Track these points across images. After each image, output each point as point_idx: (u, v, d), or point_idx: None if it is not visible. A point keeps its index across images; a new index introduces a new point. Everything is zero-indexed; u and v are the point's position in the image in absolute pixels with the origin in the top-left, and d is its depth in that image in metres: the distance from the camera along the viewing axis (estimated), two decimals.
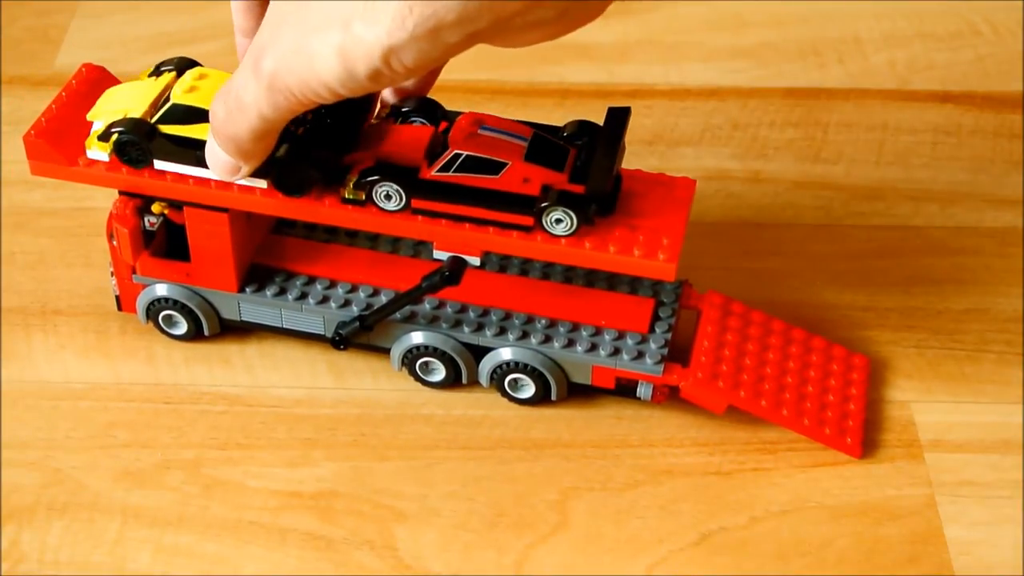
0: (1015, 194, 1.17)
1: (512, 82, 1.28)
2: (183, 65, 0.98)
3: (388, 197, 0.92)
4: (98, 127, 0.95)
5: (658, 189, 0.95)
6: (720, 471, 0.96)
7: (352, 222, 0.93)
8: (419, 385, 1.01)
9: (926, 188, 1.18)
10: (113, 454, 0.96)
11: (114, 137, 0.93)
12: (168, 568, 0.90)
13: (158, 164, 0.94)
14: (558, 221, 0.91)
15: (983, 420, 0.99)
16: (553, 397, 0.99)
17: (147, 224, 0.99)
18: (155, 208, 0.98)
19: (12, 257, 1.10)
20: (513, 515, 0.93)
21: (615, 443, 0.97)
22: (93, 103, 0.98)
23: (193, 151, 0.92)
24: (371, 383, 1.01)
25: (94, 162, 0.95)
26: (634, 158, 1.18)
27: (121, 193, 0.98)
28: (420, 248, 1.02)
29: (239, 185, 0.93)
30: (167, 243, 1.01)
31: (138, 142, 0.93)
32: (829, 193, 1.17)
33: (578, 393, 0.99)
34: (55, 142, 0.95)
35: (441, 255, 0.94)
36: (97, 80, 1.00)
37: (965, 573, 0.90)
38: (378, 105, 0.98)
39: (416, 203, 0.92)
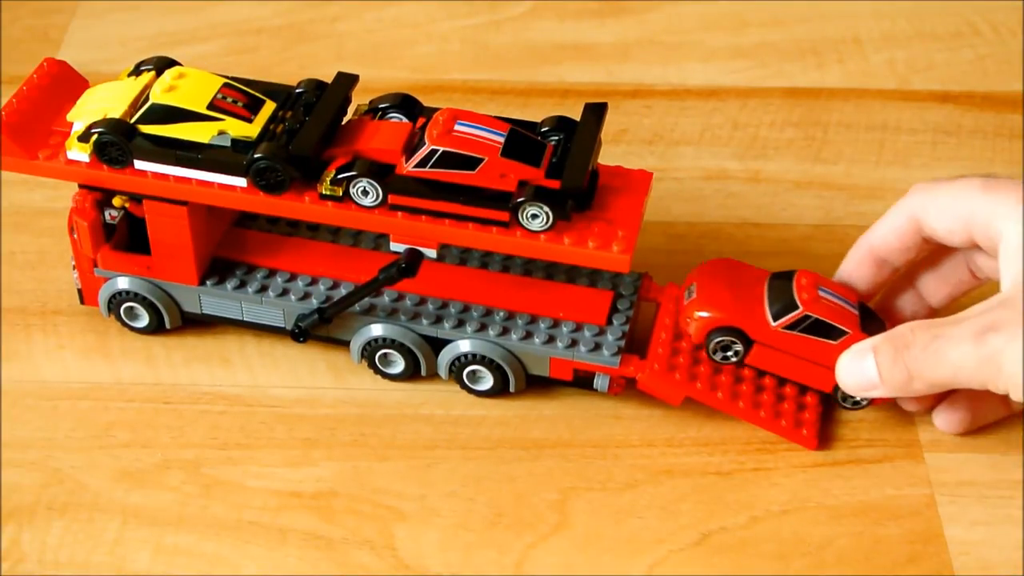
0: None
1: (512, 82, 1.28)
2: (162, 64, 0.98)
3: (365, 193, 0.92)
4: (78, 127, 0.95)
5: (615, 181, 0.95)
6: (720, 471, 0.96)
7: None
8: (419, 385, 1.01)
9: None
10: (113, 454, 0.96)
11: (94, 138, 0.93)
12: (168, 568, 0.90)
13: (138, 164, 0.94)
14: (534, 216, 0.91)
15: None
16: (511, 389, 0.98)
17: (108, 217, 0.99)
18: (116, 201, 0.97)
19: (12, 257, 1.10)
20: (513, 515, 0.93)
21: (615, 443, 0.97)
22: (54, 97, 0.97)
23: (173, 151, 0.92)
24: (371, 383, 1.01)
25: (55, 156, 0.95)
26: (634, 158, 1.19)
27: (80, 186, 0.97)
28: (381, 241, 1.02)
29: (218, 183, 0.93)
30: (129, 236, 1.01)
31: (118, 142, 0.92)
32: (829, 193, 1.17)
33: (578, 393, 0.99)
34: (15, 136, 0.95)
35: (398, 247, 0.95)
36: (58, 74, 1.00)
37: (965, 573, 0.90)
38: (354, 103, 0.98)
39: (393, 199, 0.92)
